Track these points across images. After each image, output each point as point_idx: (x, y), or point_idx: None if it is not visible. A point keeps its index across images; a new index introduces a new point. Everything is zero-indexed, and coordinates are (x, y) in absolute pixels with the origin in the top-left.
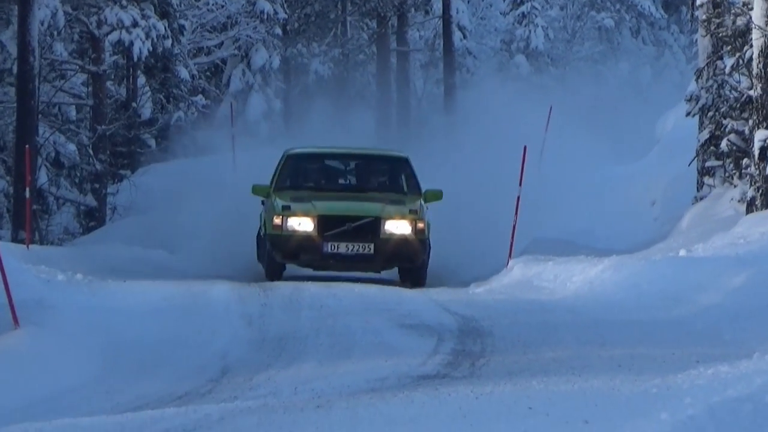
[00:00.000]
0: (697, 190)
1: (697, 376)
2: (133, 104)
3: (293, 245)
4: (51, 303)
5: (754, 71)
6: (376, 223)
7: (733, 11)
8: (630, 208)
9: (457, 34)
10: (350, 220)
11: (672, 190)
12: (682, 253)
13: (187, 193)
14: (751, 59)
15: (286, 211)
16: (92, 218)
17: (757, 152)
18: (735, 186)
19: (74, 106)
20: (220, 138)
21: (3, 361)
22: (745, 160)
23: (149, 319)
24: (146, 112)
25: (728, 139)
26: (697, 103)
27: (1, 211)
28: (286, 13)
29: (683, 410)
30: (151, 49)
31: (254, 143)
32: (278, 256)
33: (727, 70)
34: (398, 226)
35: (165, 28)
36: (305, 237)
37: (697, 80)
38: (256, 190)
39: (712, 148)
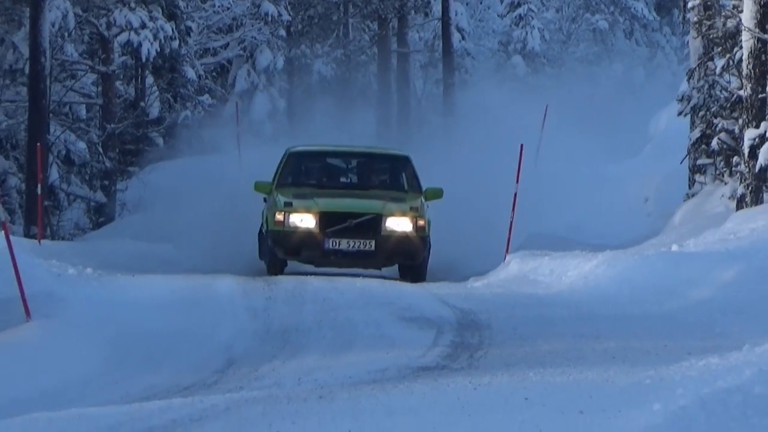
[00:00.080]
0: (689, 187)
1: (689, 367)
2: (142, 103)
3: (295, 241)
4: (61, 296)
5: (744, 72)
6: (378, 220)
7: (723, 14)
8: (624, 205)
9: (455, 36)
10: (352, 216)
11: (664, 187)
12: (675, 248)
13: (193, 190)
14: (741, 60)
15: (288, 208)
16: (102, 214)
17: (746, 150)
18: (725, 183)
19: (84, 105)
20: (226, 136)
21: (15, 352)
22: (735, 158)
23: (157, 312)
24: (154, 111)
25: (719, 138)
26: (688, 102)
27: (13, 207)
28: (289, 15)
29: (675, 401)
30: (158, 50)
31: (259, 142)
32: (280, 252)
33: (717, 71)
34: (399, 224)
35: (172, 30)
36: (307, 233)
37: (688, 81)
38: (258, 187)
39: (703, 146)
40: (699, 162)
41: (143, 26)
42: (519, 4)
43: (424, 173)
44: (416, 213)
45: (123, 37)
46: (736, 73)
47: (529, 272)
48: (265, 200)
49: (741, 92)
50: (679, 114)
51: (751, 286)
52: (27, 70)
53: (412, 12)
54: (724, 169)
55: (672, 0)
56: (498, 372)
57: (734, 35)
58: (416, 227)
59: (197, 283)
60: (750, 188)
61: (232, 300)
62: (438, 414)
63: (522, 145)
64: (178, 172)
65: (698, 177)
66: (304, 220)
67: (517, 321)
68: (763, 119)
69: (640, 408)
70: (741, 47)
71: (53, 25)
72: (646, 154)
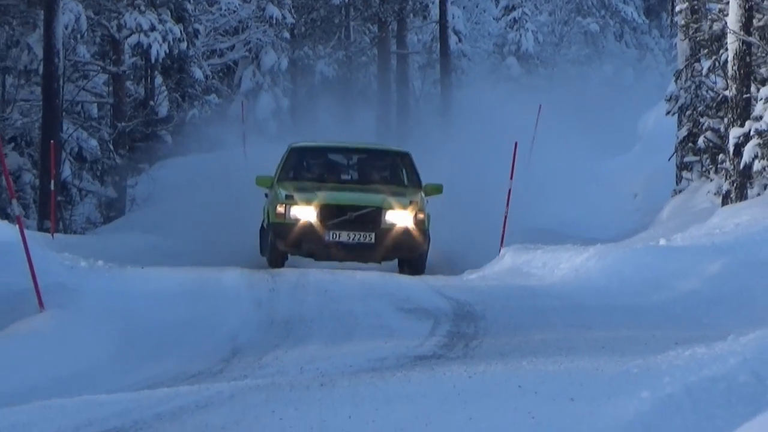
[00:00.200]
0: (676, 184)
1: (676, 357)
2: (151, 103)
3: (296, 234)
4: (74, 287)
5: (729, 73)
6: (378, 213)
7: (710, 17)
8: (614, 201)
9: (452, 38)
10: (352, 209)
11: (653, 183)
12: (662, 242)
13: (200, 186)
14: (726, 62)
15: (289, 200)
16: (112, 209)
17: (731, 148)
18: (711, 180)
19: (96, 105)
20: (232, 134)
21: (28, 341)
22: (721, 156)
23: (165, 303)
24: (163, 110)
25: (705, 137)
26: (676, 102)
27: (28, 202)
28: (293, 17)
29: (662, 389)
30: (167, 51)
31: (263, 139)
32: (281, 244)
33: (704, 72)
34: (399, 217)
35: (181, 32)
36: (308, 226)
37: (676, 81)
38: (260, 181)
39: (690, 144)
40: (686, 159)
41: (153, 29)
42: (513, 8)
43: (422, 170)
44: (416, 207)
45: (133, 39)
46: (722, 74)
47: (523, 265)
48: (266, 196)
49: (726, 92)
50: (667, 113)
51: (735, 279)
52: (41, 71)
53: (411, 15)
54: (710, 167)
55: (660, 4)
56: (492, 361)
57: (720, 38)
58: (416, 220)
59: (204, 275)
60: (735, 185)
61: (237, 292)
62: (435, 401)
63: (516, 143)
64: (186, 169)
65: (685, 174)
66: (305, 213)
67: (511, 312)
68: (748, 118)
69: (629, 395)
70: (726, 49)
71: (66, 28)
72: (636, 152)
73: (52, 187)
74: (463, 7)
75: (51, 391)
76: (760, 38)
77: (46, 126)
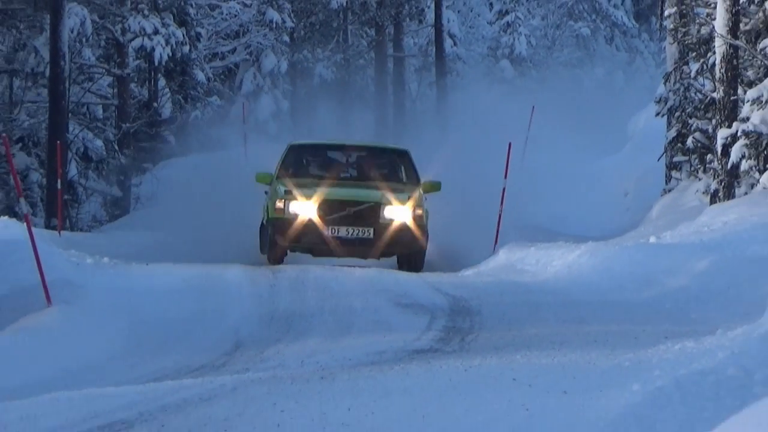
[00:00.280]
0: (666, 183)
1: (666, 350)
2: (155, 104)
3: (295, 229)
4: (80, 284)
5: (717, 75)
6: (376, 208)
7: (698, 21)
8: (605, 199)
9: (447, 42)
10: (351, 205)
11: (643, 182)
12: (652, 239)
13: (202, 185)
14: (714, 65)
15: (288, 195)
16: (117, 207)
17: (719, 149)
18: (700, 179)
19: (101, 106)
20: (233, 135)
21: (36, 336)
22: (709, 156)
23: (169, 298)
24: (166, 111)
25: (693, 137)
26: (665, 104)
27: (35, 200)
28: (293, 21)
29: (653, 381)
30: (170, 54)
31: (264, 140)
32: (280, 239)
33: (692, 75)
34: (397, 213)
35: (183, 36)
36: (307, 221)
37: (665, 83)
38: (260, 178)
39: (679, 145)
40: (675, 159)
41: (156, 32)
42: (507, 12)
43: (419, 170)
44: (414, 203)
45: (137, 42)
46: (710, 77)
47: (517, 262)
48: (266, 194)
49: (714, 94)
50: (657, 114)
51: (723, 275)
52: (48, 73)
53: (407, 19)
54: (699, 166)
55: (650, 8)
56: (487, 354)
57: (708, 41)
58: (414, 216)
59: (207, 271)
60: (723, 184)
61: (239, 288)
62: (432, 393)
63: (510, 143)
64: (189, 168)
65: (674, 173)
66: (304, 208)
67: (505, 307)
68: (735, 120)
69: (620, 388)
70: (714, 52)
71: (72, 31)
72: (626, 152)
73: (59, 186)
74: (458, 12)
75: (58, 384)
76: (747, 42)
77: (52, 127)
